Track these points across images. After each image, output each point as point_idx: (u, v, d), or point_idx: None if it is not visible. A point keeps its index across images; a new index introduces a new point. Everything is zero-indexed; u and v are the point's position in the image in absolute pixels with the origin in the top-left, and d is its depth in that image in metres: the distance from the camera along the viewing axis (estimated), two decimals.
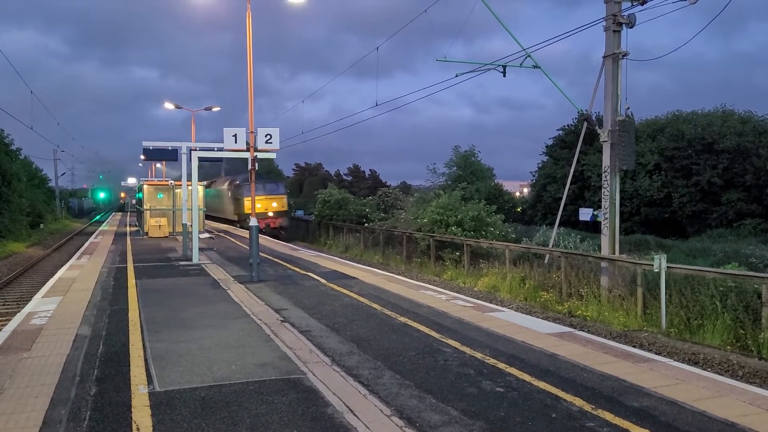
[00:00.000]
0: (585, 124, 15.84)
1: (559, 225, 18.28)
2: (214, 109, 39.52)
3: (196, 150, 18.13)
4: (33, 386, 6.14)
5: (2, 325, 10.70)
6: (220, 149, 16.43)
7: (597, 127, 14.82)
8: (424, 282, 15.15)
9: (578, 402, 5.58)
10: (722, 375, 7.51)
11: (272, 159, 20.62)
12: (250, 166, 14.82)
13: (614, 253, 13.73)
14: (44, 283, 14.77)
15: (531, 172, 44.85)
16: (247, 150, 14.43)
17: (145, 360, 7.13)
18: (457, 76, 17.62)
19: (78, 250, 24.31)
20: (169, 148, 18.74)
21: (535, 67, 16.36)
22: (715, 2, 13.29)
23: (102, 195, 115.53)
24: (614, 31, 14.57)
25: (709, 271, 11.11)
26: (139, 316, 9.71)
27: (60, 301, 11.14)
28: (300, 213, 51.05)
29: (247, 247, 15.37)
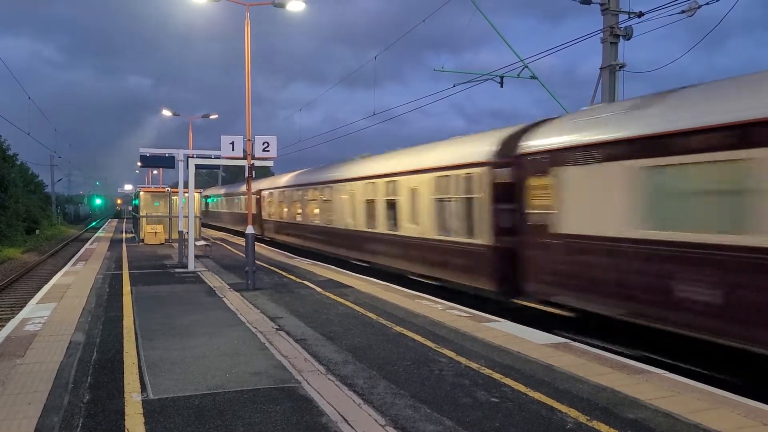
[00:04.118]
0: None
1: None
2: (212, 117, 39.69)
3: (193, 157, 18.13)
4: (26, 393, 6.10)
5: None
6: (218, 157, 16.45)
7: None
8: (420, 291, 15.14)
9: (573, 413, 5.57)
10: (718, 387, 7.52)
11: (269, 167, 20.63)
12: (246, 174, 14.84)
13: None
14: (39, 289, 14.71)
15: None
16: (245, 158, 14.45)
17: (139, 367, 7.10)
18: (454, 86, 17.76)
19: (73, 256, 24.24)
20: (166, 155, 18.74)
21: (533, 77, 16.47)
22: (701, 19, 13.54)
23: (98, 201, 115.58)
24: (611, 43, 14.68)
25: None
26: (134, 324, 9.67)
27: (54, 307, 11.08)
28: None
29: (243, 255, 15.35)
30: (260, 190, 32.53)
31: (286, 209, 27.97)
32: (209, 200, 53.45)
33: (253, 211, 33.08)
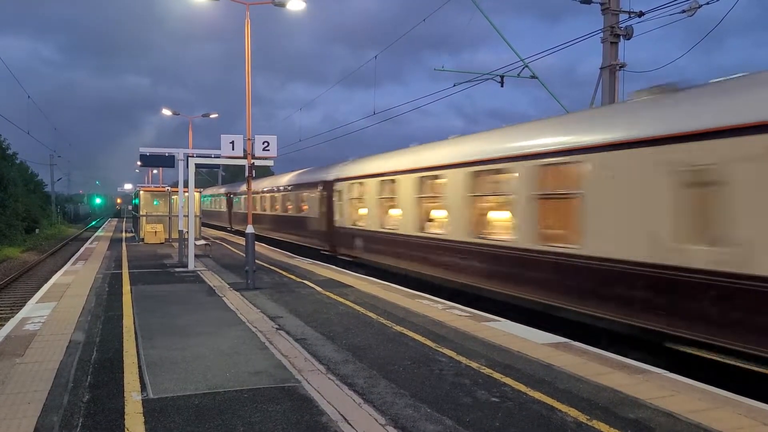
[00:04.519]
0: None
1: None
2: (212, 116, 39.67)
3: (193, 156, 18.13)
4: (25, 392, 6.09)
5: None
6: (218, 156, 16.45)
7: None
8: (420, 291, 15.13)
9: (573, 413, 5.56)
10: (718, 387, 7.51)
11: (269, 167, 20.62)
12: (246, 174, 14.83)
13: None
14: (38, 289, 14.70)
15: None
16: (245, 157, 14.44)
17: (139, 367, 7.09)
18: (455, 85, 17.77)
19: (73, 255, 24.23)
20: (166, 155, 18.74)
21: (533, 77, 16.47)
22: (699, 18, 13.56)
23: (98, 201, 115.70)
24: (611, 42, 14.67)
25: None
26: (134, 323, 9.66)
27: (54, 306, 11.07)
28: None
29: (243, 255, 15.35)
30: (336, 180, 20.49)
31: (403, 213, 15.59)
32: (236, 200, 40.35)
33: (315, 213, 22.46)
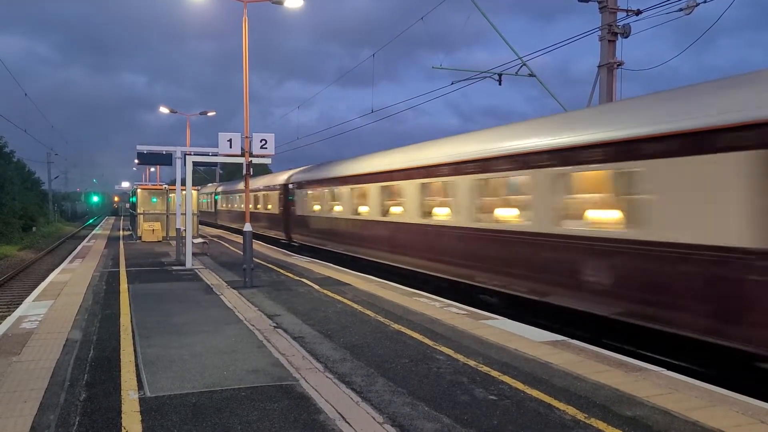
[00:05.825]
0: None
1: None
2: (209, 114, 39.57)
3: (190, 154, 18.09)
4: (22, 391, 6.07)
5: None
6: (215, 154, 16.41)
7: None
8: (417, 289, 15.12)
9: (571, 411, 5.57)
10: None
11: (267, 165, 20.59)
12: (244, 172, 14.80)
13: None
14: (35, 287, 14.66)
15: None
16: (242, 155, 14.40)
17: (136, 365, 7.07)
18: (452, 83, 17.75)
19: (70, 253, 24.17)
20: (164, 153, 18.71)
21: (531, 75, 16.46)
22: (690, 19, 13.56)
23: (95, 199, 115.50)
24: (609, 41, 14.67)
25: None
26: (131, 321, 9.64)
27: (51, 305, 11.05)
28: None
29: (241, 253, 15.33)
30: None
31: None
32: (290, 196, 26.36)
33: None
